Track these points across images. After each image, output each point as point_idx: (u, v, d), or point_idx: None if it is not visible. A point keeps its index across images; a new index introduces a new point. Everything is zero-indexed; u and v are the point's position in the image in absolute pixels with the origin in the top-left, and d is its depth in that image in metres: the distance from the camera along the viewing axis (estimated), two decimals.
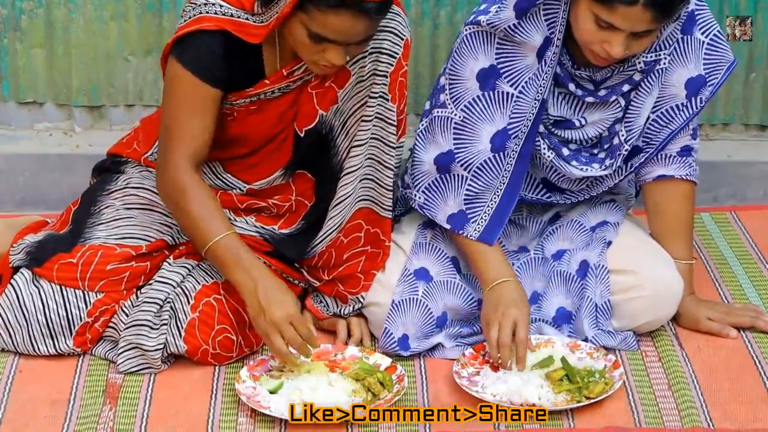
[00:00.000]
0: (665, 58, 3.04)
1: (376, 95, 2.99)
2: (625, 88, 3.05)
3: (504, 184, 3.08)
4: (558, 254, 3.18)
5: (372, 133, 3.03)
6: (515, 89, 3.01)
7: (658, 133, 3.12)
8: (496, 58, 3.00)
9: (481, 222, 3.08)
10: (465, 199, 3.08)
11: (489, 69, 3.01)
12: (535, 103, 3.03)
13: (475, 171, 3.06)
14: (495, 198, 3.09)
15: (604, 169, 3.13)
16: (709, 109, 3.89)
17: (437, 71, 3.77)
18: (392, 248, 3.16)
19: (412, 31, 3.75)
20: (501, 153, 3.05)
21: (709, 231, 3.69)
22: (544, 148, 3.10)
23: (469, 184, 3.07)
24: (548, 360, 2.97)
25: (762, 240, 3.63)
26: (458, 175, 3.07)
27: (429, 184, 3.10)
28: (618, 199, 3.27)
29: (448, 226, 3.10)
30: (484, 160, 3.05)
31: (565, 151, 3.12)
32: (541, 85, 3.01)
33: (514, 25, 2.96)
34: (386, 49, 2.96)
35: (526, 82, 3.00)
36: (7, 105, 3.83)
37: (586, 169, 3.13)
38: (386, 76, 2.98)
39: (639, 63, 3.02)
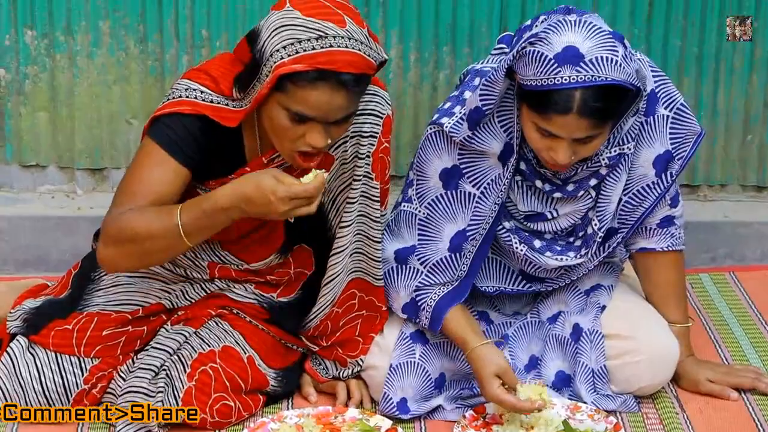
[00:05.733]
0: (630, 150, 3.01)
1: (360, 177, 2.98)
2: (593, 182, 3.02)
3: (457, 281, 3.07)
4: (553, 317, 3.18)
5: (359, 211, 3.02)
6: (477, 190, 3.00)
7: (632, 213, 3.10)
8: (459, 159, 3.00)
9: (428, 309, 3.06)
10: (415, 290, 3.07)
11: (452, 169, 3.01)
12: (494, 207, 3.03)
13: (431, 267, 3.06)
14: (443, 290, 3.07)
15: (580, 258, 3.11)
16: (707, 170, 3.90)
17: None
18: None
19: (412, 95, 3.79)
20: (457, 253, 3.05)
21: (708, 292, 3.68)
22: (516, 243, 3.09)
23: (423, 279, 3.06)
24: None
25: (761, 300, 3.63)
26: (413, 268, 3.07)
27: (385, 273, 3.09)
28: (612, 261, 3.27)
29: (404, 316, 3.09)
30: (440, 258, 3.05)
31: (537, 243, 3.10)
32: (501, 190, 3.01)
33: (469, 136, 2.96)
34: (366, 131, 2.95)
35: (488, 184, 3.00)
36: (10, 167, 3.85)
37: (562, 259, 3.11)
38: (369, 157, 2.97)
39: (603, 159, 2.99)
